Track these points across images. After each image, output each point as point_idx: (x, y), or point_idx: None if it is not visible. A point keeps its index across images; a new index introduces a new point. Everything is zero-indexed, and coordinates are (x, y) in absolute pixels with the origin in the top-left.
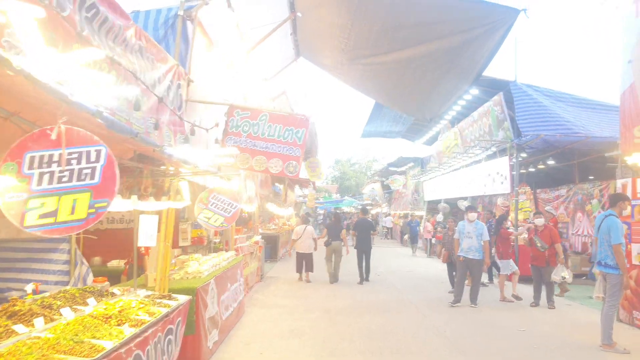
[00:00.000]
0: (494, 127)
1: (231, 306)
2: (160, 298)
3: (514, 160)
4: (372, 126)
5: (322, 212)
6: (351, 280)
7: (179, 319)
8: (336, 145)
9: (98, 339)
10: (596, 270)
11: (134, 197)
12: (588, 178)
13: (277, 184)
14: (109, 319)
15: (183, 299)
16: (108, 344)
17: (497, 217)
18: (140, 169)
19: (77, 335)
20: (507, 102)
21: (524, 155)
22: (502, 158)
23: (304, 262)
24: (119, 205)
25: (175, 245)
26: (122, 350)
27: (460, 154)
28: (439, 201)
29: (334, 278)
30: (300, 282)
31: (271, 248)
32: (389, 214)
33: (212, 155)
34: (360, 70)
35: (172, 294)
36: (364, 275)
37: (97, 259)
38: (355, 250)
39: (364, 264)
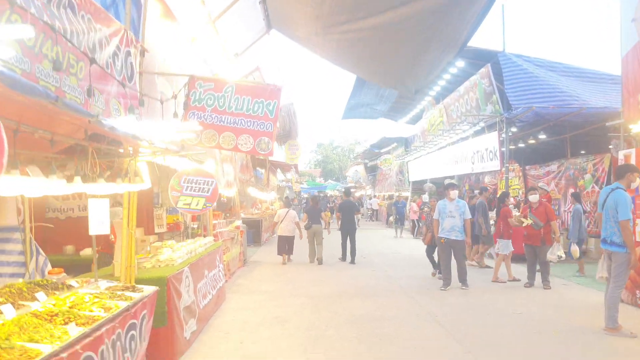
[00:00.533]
0: (481, 101)
1: (210, 293)
2: (123, 290)
3: (504, 135)
4: (353, 106)
5: (306, 195)
6: (337, 264)
7: (144, 312)
8: (317, 128)
9: (36, 342)
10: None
11: (77, 179)
12: (579, 153)
13: (258, 169)
14: (55, 317)
15: (149, 289)
16: (46, 348)
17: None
18: (84, 147)
19: (8, 338)
20: (495, 74)
21: (514, 130)
22: (491, 133)
23: (286, 245)
24: (58, 188)
25: (150, 232)
26: (65, 354)
27: (446, 132)
28: (424, 181)
29: (318, 261)
30: (284, 266)
31: (254, 232)
32: (374, 196)
33: (168, 129)
34: (337, 40)
35: (137, 285)
36: (350, 257)
37: (70, 248)
38: (340, 231)
39: (348, 245)
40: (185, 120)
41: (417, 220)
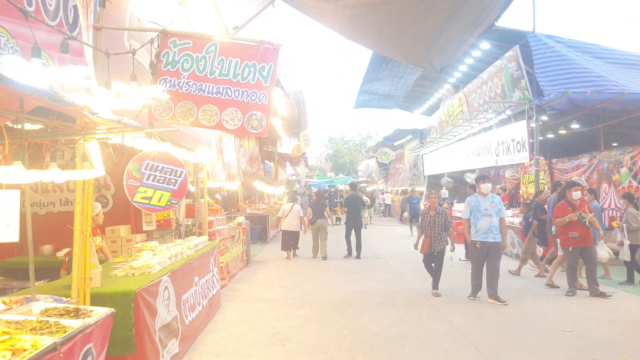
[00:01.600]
0: (507, 87)
1: (200, 304)
2: (62, 314)
3: (534, 124)
4: (366, 95)
5: (316, 189)
6: (347, 264)
7: (89, 346)
8: (328, 120)
9: None
10: None
11: None
12: (611, 145)
13: (267, 162)
14: None
15: (100, 313)
16: None
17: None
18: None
19: None
20: (524, 57)
21: (544, 118)
22: (519, 122)
23: (291, 240)
24: None
25: (138, 229)
26: None
27: (467, 122)
28: (441, 175)
29: (321, 255)
30: (290, 268)
31: (261, 229)
32: (387, 191)
33: (116, 90)
34: (351, 7)
35: (84, 308)
36: (356, 252)
37: (47, 248)
38: (345, 225)
39: (354, 240)
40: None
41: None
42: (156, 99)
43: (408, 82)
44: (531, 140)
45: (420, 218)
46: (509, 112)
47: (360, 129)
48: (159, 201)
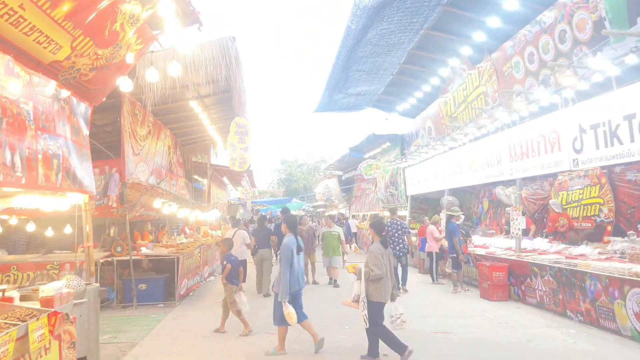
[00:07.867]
0: (613, 19)
1: None
2: None
3: None
4: (331, 95)
5: (266, 215)
6: None
7: None
8: (278, 139)
9: None
10: None
11: None
12: None
13: (197, 177)
14: None
15: None
16: None
17: None
18: None
19: None
20: None
21: None
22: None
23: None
24: None
25: None
26: None
27: (495, 106)
28: (431, 196)
29: (264, 290)
30: None
31: (166, 281)
32: (350, 217)
33: None
34: None
35: None
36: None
37: None
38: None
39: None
40: None
41: (437, 253)
42: None
43: (392, 69)
44: None
45: None
46: (631, 59)
47: (312, 151)
48: None
